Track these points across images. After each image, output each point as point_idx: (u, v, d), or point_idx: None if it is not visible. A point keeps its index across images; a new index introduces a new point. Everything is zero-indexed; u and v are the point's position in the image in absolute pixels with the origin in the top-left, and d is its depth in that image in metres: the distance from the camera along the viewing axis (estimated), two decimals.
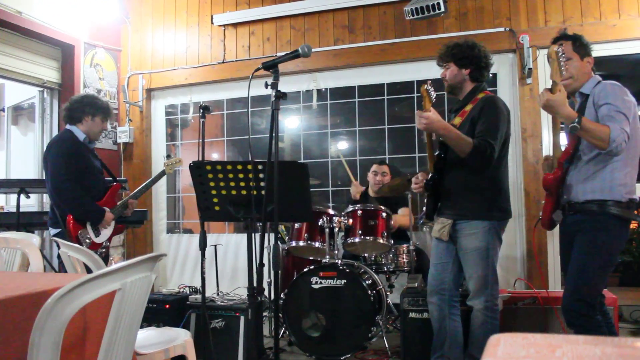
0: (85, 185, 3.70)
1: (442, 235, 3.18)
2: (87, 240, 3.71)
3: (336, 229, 4.14)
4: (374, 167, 4.98)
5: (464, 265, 3.15)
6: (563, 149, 2.94)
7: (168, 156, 4.50)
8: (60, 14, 5.47)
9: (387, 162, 5.07)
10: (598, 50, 4.23)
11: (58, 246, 2.99)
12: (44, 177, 3.81)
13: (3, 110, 6.41)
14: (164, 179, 6.16)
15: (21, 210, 4.27)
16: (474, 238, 3.05)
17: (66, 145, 3.71)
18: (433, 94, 3.02)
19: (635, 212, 2.75)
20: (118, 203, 3.97)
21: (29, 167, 5.76)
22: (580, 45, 2.89)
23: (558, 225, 3.11)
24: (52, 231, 3.71)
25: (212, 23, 5.92)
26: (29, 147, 5.84)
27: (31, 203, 5.20)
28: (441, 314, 3.23)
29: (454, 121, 3.17)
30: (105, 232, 3.85)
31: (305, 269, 4.00)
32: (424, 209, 3.35)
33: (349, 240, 4.19)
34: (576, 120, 2.59)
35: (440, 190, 3.20)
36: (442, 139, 3.08)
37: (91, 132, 3.91)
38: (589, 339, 0.85)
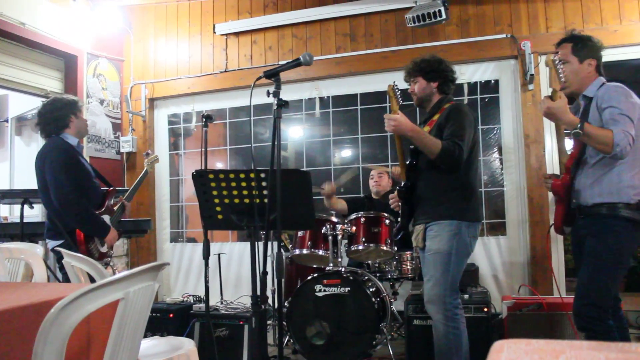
0: (86, 193, 3.63)
1: (418, 242, 3.20)
2: (96, 252, 3.67)
3: (339, 237, 4.14)
4: (372, 171, 5.06)
5: (422, 267, 3.16)
6: (569, 153, 2.95)
7: (147, 154, 4.49)
8: (63, 25, 5.51)
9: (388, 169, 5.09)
10: None
11: (60, 257, 2.98)
12: (38, 188, 3.67)
13: (7, 120, 6.43)
14: (167, 188, 6.21)
15: (25, 220, 4.27)
16: (439, 240, 3.05)
17: (63, 154, 3.59)
18: (399, 96, 3.13)
19: None
20: (115, 208, 3.94)
21: (33, 177, 5.77)
22: (581, 48, 2.88)
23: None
24: (52, 243, 3.61)
25: (214, 32, 5.94)
26: (32, 158, 5.79)
27: (35, 213, 5.21)
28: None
29: (423, 129, 3.21)
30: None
31: (309, 277, 3.99)
32: (399, 219, 3.38)
33: (353, 248, 4.18)
34: (578, 125, 2.59)
35: (413, 199, 3.24)
36: (411, 141, 3.11)
37: (81, 130, 3.82)
38: (593, 344, 0.85)
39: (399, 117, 3.01)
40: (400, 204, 3.35)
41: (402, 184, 3.26)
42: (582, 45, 2.89)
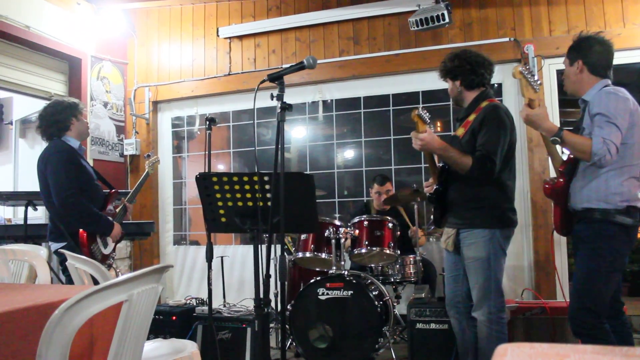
0: (88, 195, 3.64)
1: (448, 245, 3.21)
2: (99, 254, 3.69)
3: (342, 240, 4.14)
4: (376, 187, 4.92)
5: (467, 275, 3.14)
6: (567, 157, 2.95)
7: (148, 156, 4.48)
8: (67, 28, 5.52)
9: (388, 177, 5.02)
10: None
11: (63, 259, 2.99)
12: (40, 191, 3.69)
13: (11, 123, 6.46)
14: (170, 191, 6.21)
15: (29, 222, 4.28)
16: (475, 247, 3.04)
17: (65, 156, 3.59)
18: (426, 116, 3.05)
19: None
20: (117, 210, 3.95)
21: (36, 179, 5.82)
22: (572, 50, 2.88)
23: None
24: (55, 245, 3.63)
25: (218, 35, 5.95)
26: (36, 160, 5.86)
27: (39, 215, 5.22)
28: (461, 326, 3.24)
29: (458, 131, 3.20)
30: (111, 243, 3.85)
31: (312, 280, 3.99)
32: (432, 217, 3.39)
33: (356, 251, 4.18)
34: (556, 133, 2.62)
35: (445, 202, 3.21)
36: (440, 158, 3.09)
37: (82, 133, 3.83)
38: (597, 348, 0.84)
39: (426, 137, 2.98)
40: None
41: (434, 188, 3.24)
42: (574, 48, 2.88)
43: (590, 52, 2.83)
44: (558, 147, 2.91)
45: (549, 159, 4.69)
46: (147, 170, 4.35)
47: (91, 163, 5.29)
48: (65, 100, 3.85)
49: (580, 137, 2.66)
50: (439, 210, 3.26)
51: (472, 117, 3.13)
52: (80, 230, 3.59)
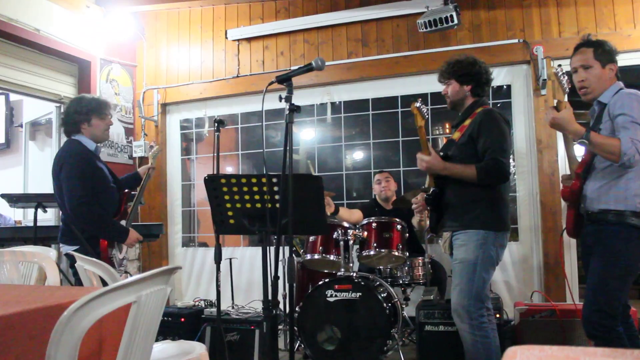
0: (103, 199, 3.59)
1: (445, 249, 3.25)
2: (116, 259, 3.66)
3: (351, 242, 4.13)
4: (377, 176, 4.99)
5: (452, 275, 3.16)
6: (580, 159, 2.93)
7: (151, 147, 4.41)
8: (76, 31, 5.55)
9: (400, 173, 5.04)
10: None
11: (73, 261, 2.99)
12: (54, 192, 3.63)
13: (21, 125, 6.50)
14: (179, 193, 6.22)
15: (38, 224, 4.31)
16: (465, 249, 3.05)
17: (80, 161, 3.53)
18: (425, 110, 3.11)
19: None
20: (129, 211, 3.92)
21: (46, 181, 5.82)
22: (602, 52, 2.85)
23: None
24: (66, 247, 3.58)
25: (226, 38, 5.96)
26: (46, 162, 5.89)
27: (48, 217, 5.25)
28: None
29: (454, 136, 3.24)
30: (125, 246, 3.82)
31: (320, 282, 3.99)
32: (427, 223, 3.41)
33: (364, 253, 4.17)
34: (584, 135, 2.60)
35: (441, 205, 3.23)
36: (446, 174, 3.12)
37: (100, 135, 3.72)
38: (607, 351, 0.84)
39: (430, 160, 3.06)
40: (428, 209, 3.36)
41: (430, 190, 3.25)
42: (603, 50, 2.86)
43: (615, 56, 2.87)
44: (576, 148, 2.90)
45: (558, 160, 4.70)
46: (150, 162, 4.22)
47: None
48: (94, 98, 3.80)
49: (608, 138, 2.62)
50: (435, 215, 3.27)
51: (467, 122, 3.18)
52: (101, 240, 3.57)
